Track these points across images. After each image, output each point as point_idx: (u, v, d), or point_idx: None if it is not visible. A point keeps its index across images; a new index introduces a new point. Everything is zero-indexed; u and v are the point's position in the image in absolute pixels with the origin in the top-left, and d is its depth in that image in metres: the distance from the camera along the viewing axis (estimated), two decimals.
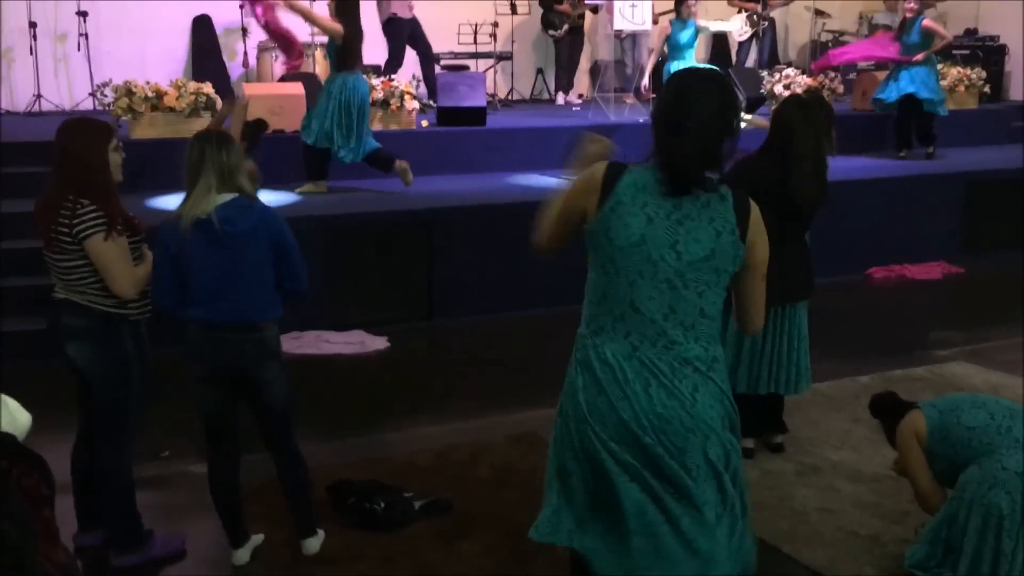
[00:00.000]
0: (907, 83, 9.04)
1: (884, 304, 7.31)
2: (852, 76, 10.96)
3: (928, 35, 8.99)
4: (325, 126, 7.07)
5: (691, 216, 2.35)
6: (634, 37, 10.83)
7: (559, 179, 7.99)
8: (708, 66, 5.34)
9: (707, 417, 2.36)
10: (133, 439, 3.54)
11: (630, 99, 10.42)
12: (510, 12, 10.98)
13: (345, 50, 7.00)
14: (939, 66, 9.55)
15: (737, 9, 11.55)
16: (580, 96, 11.57)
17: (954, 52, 11.14)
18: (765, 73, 10.16)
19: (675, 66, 8.10)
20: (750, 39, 11.56)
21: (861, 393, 5.01)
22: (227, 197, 3.29)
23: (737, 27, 11.51)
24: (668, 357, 2.35)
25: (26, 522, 1.67)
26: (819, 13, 12.44)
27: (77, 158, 3.30)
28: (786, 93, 8.49)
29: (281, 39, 7.91)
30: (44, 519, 1.92)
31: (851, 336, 6.35)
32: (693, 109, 2.32)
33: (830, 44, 12.56)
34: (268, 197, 6.06)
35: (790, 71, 10.06)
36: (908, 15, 9.10)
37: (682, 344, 2.36)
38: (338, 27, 6.97)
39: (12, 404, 2.07)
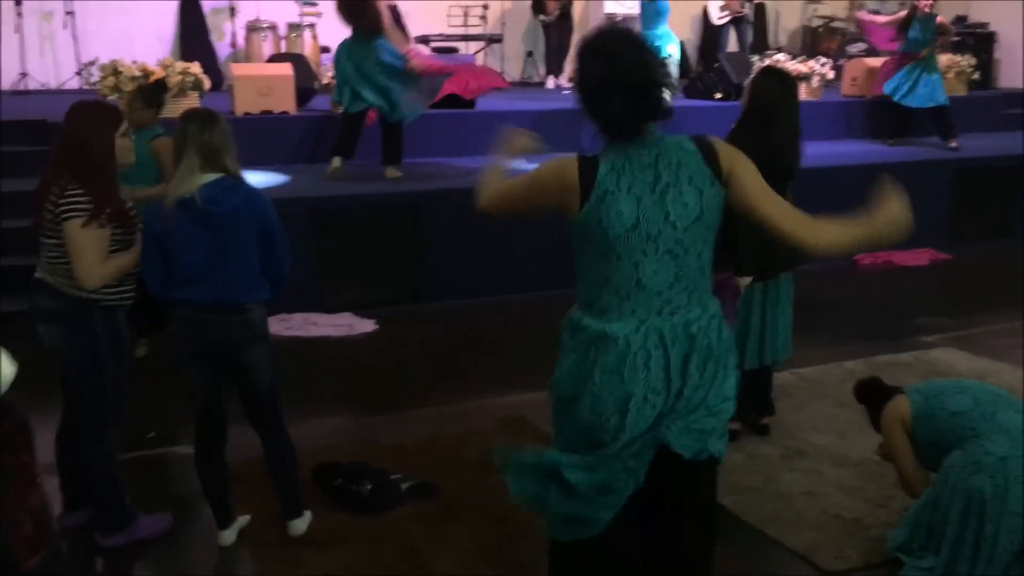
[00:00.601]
0: (925, 90, 9.03)
1: (871, 290, 7.33)
2: (841, 62, 10.95)
3: (935, 31, 8.97)
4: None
5: (672, 183, 2.38)
6: (625, 21, 10.79)
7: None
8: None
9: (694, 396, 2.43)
10: (114, 422, 3.51)
11: None
12: None
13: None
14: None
15: None
16: (570, 80, 11.53)
17: None
18: (756, 58, 10.15)
19: (648, 36, 8.12)
20: (728, 24, 11.52)
21: (847, 378, 5.02)
22: (211, 177, 3.26)
23: (715, 14, 11.46)
24: (671, 322, 2.41)
25: None
26: None
27: (80, 142, 3.27)
28: None
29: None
30: (22, 464, 1.94)
31: (837, 321, 6.37)
32: (618, 68, 2.34)
33: (820, 30, 12.55)
34: (257, 179, 6.04)
35: (780, 56, 10.04)
36: (926, 10, 9.02)
37: (685, 308, 2.43)
38: None
39: None
